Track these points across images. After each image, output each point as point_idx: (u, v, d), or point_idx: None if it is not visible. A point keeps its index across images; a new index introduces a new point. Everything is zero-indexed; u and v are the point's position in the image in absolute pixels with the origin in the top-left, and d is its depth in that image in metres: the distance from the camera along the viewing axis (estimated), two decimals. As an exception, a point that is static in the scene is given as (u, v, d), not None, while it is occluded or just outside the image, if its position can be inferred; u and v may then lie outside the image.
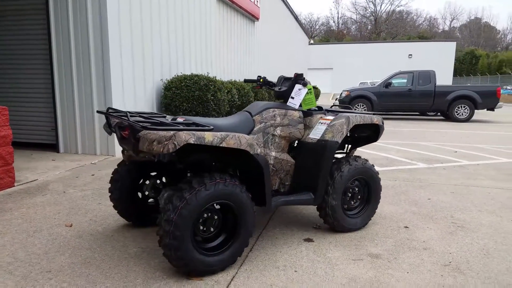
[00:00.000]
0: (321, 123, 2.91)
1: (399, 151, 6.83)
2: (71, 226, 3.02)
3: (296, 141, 3.09)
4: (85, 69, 5.58)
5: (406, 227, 3.18)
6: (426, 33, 67.02)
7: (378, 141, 8.08)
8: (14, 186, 4.04)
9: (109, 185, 4.14)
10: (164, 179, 3.05)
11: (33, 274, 2.28)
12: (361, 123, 2.93)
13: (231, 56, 10.61)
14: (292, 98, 2.88)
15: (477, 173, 5.21)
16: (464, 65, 56.13)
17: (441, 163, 5.85)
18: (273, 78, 14.41)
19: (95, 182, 4.29)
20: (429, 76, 12.91)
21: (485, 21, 73.73)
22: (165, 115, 2.80)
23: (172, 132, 2.07)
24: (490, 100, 12.45)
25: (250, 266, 2.44)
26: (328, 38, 51.69)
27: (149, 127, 2.10)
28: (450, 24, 74.74)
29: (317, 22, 70.83)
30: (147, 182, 2.99)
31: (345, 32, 66.72)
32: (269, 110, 2.88)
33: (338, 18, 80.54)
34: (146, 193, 3.01)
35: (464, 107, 12.55)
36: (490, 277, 2.36)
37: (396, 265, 2.50)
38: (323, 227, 3.11)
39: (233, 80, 8.98)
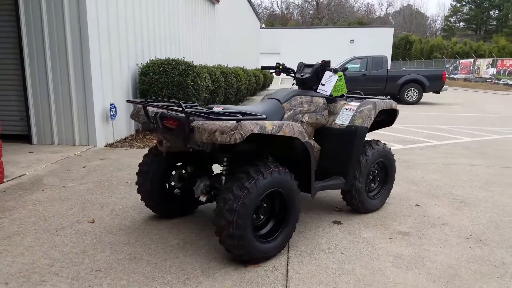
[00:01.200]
0: (347, 109, 3.01)
1: (372, 134, 7.17)
2: (93, 222, 2.88)
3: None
4: (60, 53, 5.20)
5: (417, 205, 3.41)
6: (364, 19, 69.62)
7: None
8: (4, 182, 3.73)
9: (129, 177, 3.97)
10: (188, 169, 3.00)
11: (83, 274, 2.17)
12: (385, 108, 3.07)
13: (197, 39, 10.36)
14: (323, 85, 2.94)
15: (450, 152, 5.65)
16: (400, 50, 59.27)
17: (415, 144, 6.26)
18: (230, 62, 14.29)
19: (90, 174, 4.08)
20: (381, 61, 13.56)
21: (416, 8, 78.09)
22: (197, 103, 2.74)
23: (236, 122, 2.05)
24: (436, 84, 13.38)
25: (297, 250, 2.51)
26: (272, 22, 51.90)
27: (213, 118, 2.07)
28: (386, 10, 78.17)
29: (260, 6, 70.85)
30: (173, 173, 2.93)
31: (288, 17, 67.39)
32: (296, 97, 2.92)
33: (281, 2, 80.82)
34: (173, 183, 2.94)
35: (413, 90, 13.38)
36: (510, 246, 2.63)
37: (427, 241, 2.70)
38: (344, 209, 3.25)
39: (203, 65, 8.81)
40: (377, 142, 3.14)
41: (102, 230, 2.74)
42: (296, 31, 44.23)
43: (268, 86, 20.82)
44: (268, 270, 2.26)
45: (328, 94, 2.96)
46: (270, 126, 2.17)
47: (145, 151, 5.27)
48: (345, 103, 3.07)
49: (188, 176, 2.98)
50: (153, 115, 2.47)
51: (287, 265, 2.32)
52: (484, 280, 2.20)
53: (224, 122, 2.09)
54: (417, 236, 2.76)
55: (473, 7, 66.27)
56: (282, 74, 3.38)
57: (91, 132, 5.39)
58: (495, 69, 26.27)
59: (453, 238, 2.75)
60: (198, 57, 10.67)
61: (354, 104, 3.02)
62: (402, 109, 11.86)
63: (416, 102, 13.39)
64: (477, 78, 28.55)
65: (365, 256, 2.46)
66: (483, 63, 28.09)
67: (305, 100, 2.95)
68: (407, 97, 13.41)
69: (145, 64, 6.49)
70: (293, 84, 3.37)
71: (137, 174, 2.84)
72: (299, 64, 3.27)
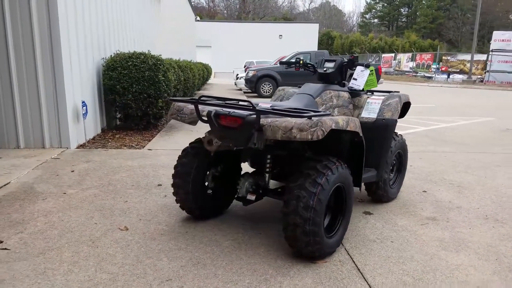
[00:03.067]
0: (372, 103, 3.12)
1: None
2: (127, 229, 2.67)
3: None
4: (26, 45, 4.67)
5: (424, 191, 3.67)
6: (288, 14, 71.52)
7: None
8: (-11, 192, 3.29)
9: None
10: (219, 169, 2.90)
11: (155, 285, 2.02)
12: (406, 101, 3.24)
13: (148, 32, 9.87)
14: (355, 79, 3.02)
15: (416, 141, 6.11)
16: (323, 45, 62.02)
17: (382, 134, 6.65)
18: (170, 55, 13.88)
19: (86, 179, 3.76)
20: (323, 56, 14.10)
21: (334, 5, 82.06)
22: (249, 100, 2.66)
23: (316, 119, 2.05)
24: (374, 77, 14.28)
25: (350, 243, 2.57)
26: (199, 15, 51.11)
27: (286, 114, 2.03)
28: (308, 6, 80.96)
29: (186, -2, 69.30)
30: (208, 172, 2.82)
31: (214, 10, 66.82)
32: (326, 91, 2.98)
33: (208, -5, 79.93)
34: (207, 183, 2.83)
35: (320, 83, 14.14)
36: (524, 223, 2.95)
37: (455, 224, 2.92)
38: (366, 200, 3.38)
39: (169, 58, 8.46)
40: (396, 133, 3.31)
41: (142, 237, 2.55)
42: (228, 24, 44.09)
43: (208, 80, 20.61)
44: (337, 264, 2.30)
45: (361, 88, 3.05)
46: (341, 121, 2.20)
47: (126, 151, 4.96)
48: (368, 97, 3.18)
49: (220, 175, 2.89)
50: (204, 113, 2.36)
51: (351, 258, 2.37)
52: (523, 255, 2.45)
53: (300, 119, 2.07)
54: (445, 220, 2.98)
55: (385, 4, 71.08)
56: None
57: (63, 133, 4.94)
58: (414, 62, 28.68)
59: (475, 220, 3.00)
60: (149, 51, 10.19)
61: (378, 98, 3.14)
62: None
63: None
64: (397, 72, 30.91)
65: (413, 243, 2.60)
66: (403, 57, 30.51)
67: (334, 94, 3.01)
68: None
69: (109, 58, 6.07)
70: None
71: (175, 176, 2.69)
72: (320, 59, 3.31)
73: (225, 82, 21.41)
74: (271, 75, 13.80)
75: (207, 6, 67.54)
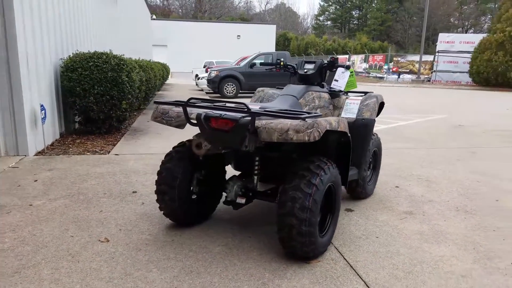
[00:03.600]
0: (351, 103, 3.18)
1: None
2: (108, 241, 2.54)
3: None
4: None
5: (396, 186, 3.80)
6: (245, 15, 71.77)
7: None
8: None
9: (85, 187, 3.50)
10: (203, 172, 2.84)
11: (149, 297, 1.94)
12: (381, 101, 3.33)
13: (106, 32, 9.48)
14: (336, 80, 3.06)
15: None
16: (279, 46, 62.83)
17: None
18: (126, 54, 13.46)
19: (52, 189, 3.54)
20: (285, 57, 14.30)
21: (289, 6, 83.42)
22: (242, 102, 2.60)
23: (312, 120, 2.05)
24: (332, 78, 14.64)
25: (338, 241, 2.60)
26: (155, 13, 49.99)
27: (281, 116, 2.02)
28: (265, 7, 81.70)
29: (138, -4, 67.50)
30: (193, 177, 2.75)
31: (169, 9, 65.69)
32: (308, 93, 3.01)
33: (162, -7, 78.32)
34: (191, 188, 2.76)
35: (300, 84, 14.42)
36: (491, 213, 3.13)
37: (430, 216, 3.05)
38: (344, 197, 3.44)
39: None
40: (373, 133, 3.40)
41: (126, 248, 2.44)
42: (185, 23, 43.50)
43: (166, 80, 20.19)
44: (330, 263, 2.31)
45: (343, 90, 3.10)
46: (333, 122, 2.22)
47: (91, 156, 4.74)
48: (346, 98, 3.24)
49: (204, 179, 2.83)
50: (192, 116, 2.30)
51: (342, 255, 2.40)
52: (496, 243, 2.59)
53: (294, 120, 2.06)
54: (421, 214, 3.10)
55: (338, 7, 73.15)
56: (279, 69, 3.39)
57: (20, 139, 4.62)
58: (367, 63, 29.77)
59: (447, 212, 3.15)
60: (107, 50, 9.80)
61: (356, 98, 3.21)
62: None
63: (317, 94, 14.46)
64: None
65: (396, 237, 2.68)
66: (357, 58, 31.58)
67: (316, 95, 3.04)
68: (309, 90, 14.40)
69: (67, 59, 5.77)
70: (290, 78, 3.42)
71: (159, 182, 2.59)
72: (299, 61, 3.33)
73: (184, 82, 21.07)
74: (234, 76, 13.77)
75: (161, 4, 66.22)
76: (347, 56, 33.81)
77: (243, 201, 2.55)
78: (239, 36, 44.38)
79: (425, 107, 11.86)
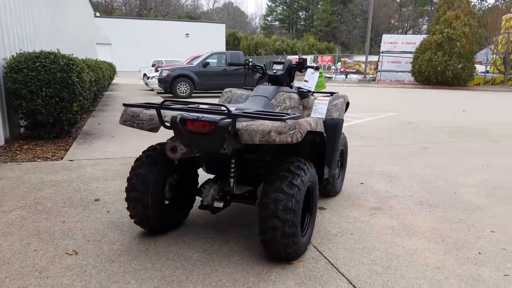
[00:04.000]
0: (319, 103, 3.22)
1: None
2: (76, 253, 2.38)
3: None
4: None
5: (361, 183, 3.91)
6: (192, 13, 70.86)
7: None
8: None
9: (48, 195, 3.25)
10: (175, 176, 2.73)
11: (131, 311, 1.83)
12: (347, 101, 3.40)
13: (49, 30, 8.89)
14: (306, 81, 3.08)
15: (338, 137, 6.49)
16: (229, 46, 62.73)
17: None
18: (71, 53, 12.81)
19: (4, 199, 3.25)
20: (239, 57, 14.28)
21: (236, 6, 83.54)
22: (223, 104, 2.52)
23: (293, 121, 2.04)
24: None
25: (316, 239, 2.62)
26: (97, 10, 47.95)
27: (262, 117, 2.00)
28: (212, 6, 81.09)
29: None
30: (165, 182, 2.64)
31: (113, 6, 63.35)
32: (279, 93, 3.01)
33: (103, -10, 75.31)
34: (164, 193, 2.65)
35: (269, 84, 14.50)
36: (452, 205, 3.31)
37: (398, 211, 3.17)
38: (314, 196, 3.48)
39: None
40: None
41: (98, 260, 2.29)
42: (130, 21, 42.11)
43: (112, 80, 19.44)
44: (311, 262, 2.32)
45: (313, 90, 3.12)
46: (313, 123, 2.22)
47: (43, 163, 4.43)
48: (315, 98, 3.28)
49: (176, 183, 2.73)
50: (167, 119, 2.21)
51: (322, 254, 2.42)
52: (462, 234, 2.74)
53: (276, 122, 2.04)
54: (389, 209, 3.21)
55: (285, 7, 74.29)
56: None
57: (-38, 147, 4.22)
58: (316, 64, 30.61)
59: (413, 206, 3.29)
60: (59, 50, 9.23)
61: (324, 98, 3.25)
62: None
63: (270, 94, 14.58)
64: (300, 73, 32.59)
65: (369, 233, 2.75)
66: (306, 59, 32.36)
67: (286, 96, 3.04)
68: (262, 90, 14.48)
69: (10, 59, 5.36)
70: (260, 80, 3.40)
71: (130, 189, 2.46)
72: (267, 61, 3.32)
73: (130, 82, 20.33)
74: (187, 75, 13.52)
75: (103, 1, 63.72)
76: (296, 56, 34.54)
77: (220, 205, 2.49)
78: (188, 34, 43.75)
79: (375, 106, 12.37)
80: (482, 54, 24.12)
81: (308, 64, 3.36)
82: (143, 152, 2.59)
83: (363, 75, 26.96)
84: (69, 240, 2.54)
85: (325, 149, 2.62)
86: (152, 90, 16.48)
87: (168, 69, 13.75)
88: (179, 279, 2.11)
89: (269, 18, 76.37)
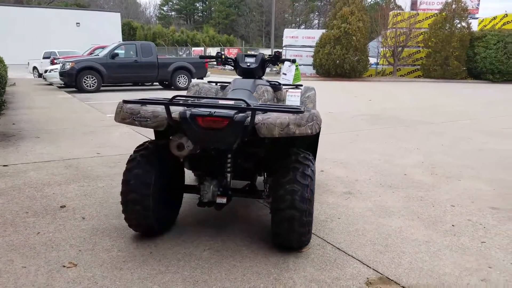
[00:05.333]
0: (292, 95, 3.32)
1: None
2: (75, 265, 2.15)
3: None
4: None
5: (322, 170, 4.13)
6: (81, 1, 65.37)
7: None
8: None
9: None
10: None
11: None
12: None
13: None
14: (285, 74, 3.14)
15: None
16: (124, 36, 59.38)
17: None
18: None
19: None
20: (150, 48, 13.68)
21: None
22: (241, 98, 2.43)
23: (309, 113, 2.11)
24: (201, 71, 14.70)
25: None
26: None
27: (278, 110, 2.04)
28: (96, -6, 75.63)
29: None
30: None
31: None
32: (258, 86, 3.05)
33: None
34: (162, 193, 2.52)
35: (183, 76, 14.21)
36: (408, 185, 3.70)
37: (366, 194, 3.44)
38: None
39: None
40: None
41: (105, 270, 2.10)
42: (9, 9, 37.27)
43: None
44: (318, 248, 2.43)
45: (291, 83, 3.19)
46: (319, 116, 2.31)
47: (-29, 170, 3.82)
48: (286, 90, 3.37)
49: (169, 182, 2.61)
50: (175, 115, 2.11)
51: (324, 240, 2.54)
52: (430, 210, 3.10)
53: (288, 114, 2.08)
54: (358, 193, 3.47)
55: (181, -3, 72.41)
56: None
57: None
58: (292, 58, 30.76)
59: (377, 189, 3.59)
60: None
61: (296, 91, 3.36)
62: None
63: (187, 87, 14.28)
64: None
65: (354, 216, 2.95)
66: (212, 51, 32.14)
67: (264, 89, 3.08)
68: (179, 83, 14.13)
69: None
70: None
71: (128, 191, 2.28)
72: (238, 54, 3.30)
73: (17, 76, 18.04)
74: (93, 67, 12.50)
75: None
76: (202, 48, 34.21)
77: (224, 200, 2.45)
78: (79, 23, 40.40)
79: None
80: (374, 48, 26.73)
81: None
82: (136, 152, 2.42)
83: (270, 69, 27.83)
84: (57, 252, 2.28)
85: (317, 140, 2.74)
86: (51, 84, 14.93)
87: (71, 61, 12.57)
88: (203, 278, 2.06)
89: (165, 8, 74.04)
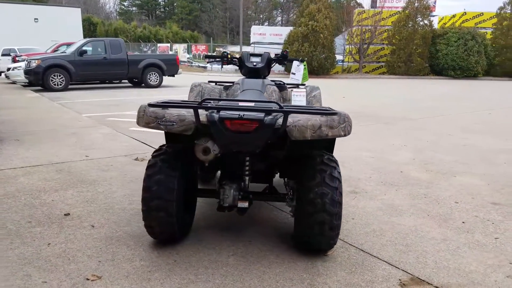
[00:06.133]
0: (297, 95, 3.30)
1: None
2: (100, 278, 2.02)
3: None
4: None
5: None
6: (37, -5, 62.34)
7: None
8: None
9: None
10: None
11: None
12: (320, 92, 3.55)
13: None
14: (294, 73, 3.10)
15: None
16: (84, 32, 57.21)
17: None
18: None
19: None
20: (119, 44, 13.22)
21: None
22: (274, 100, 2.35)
23: (341, 114, 2.09)
24: (172, 67, 14.34)
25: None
26: None
27: (309, 112, 2.02)
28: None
29: None
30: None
31: None
32: (267, 86, 3.01)
33: None
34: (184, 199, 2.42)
35: (154, 74, 13.84)
36: (408, 183, 3.78)
37: (372, 193, 3.47)
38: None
39: None
40: None
41: (133, 282, 2.00)
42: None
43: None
44: (343, 251, 2.42)
45: (300, 82, 3.16)
46: None
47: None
48: (291, 90, 3.34)
49: (187, 186, 2.52)
50: (202, 118, 2.03)
51: (346, 242, 2.54)
52: (436, 207, 3.17)
53: (318, 116, 2.06)
54: (363, 192, 3.50)
55: (143, -7, 70.71)
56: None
57: None
58: (191, 53, 30.21)
59: (380, 187, 3.63)
60: None
61: (301, 90, 3.34)
62: (152, 93, 12.13)
63: (158, 85, 13.94)
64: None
65: (367, 216, 2.97)
66: (179, 47, 31.57)
67: (272, 89, 3.05)
68: (150, 81, 13.75)
69: None
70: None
71: (151, 198, 2.17)
72: (244, 53, 3.24)
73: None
74: (61, 65, 11.94)
75: None
76: (168, 45, 33.46)
77: (246, 204, 2.38)
78: (37, 19, 38.46)
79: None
80: (340, 45, 27.21)
81: (182, 52, 3.38)
82: (155, 156, 2.31)
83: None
84: (76, 264, 2.14)
85: (334, 141, 2.72)
86: (14, 83, 14.14)
87: (37, 59, 11.95)
88: (236, 286, 2.00)
89: (125, 3, 72.03)
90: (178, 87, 14.32)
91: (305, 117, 2.07)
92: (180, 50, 30.67)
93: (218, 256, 2.29)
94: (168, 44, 33.59)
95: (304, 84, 3.56)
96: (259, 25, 53.02)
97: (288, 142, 2.58)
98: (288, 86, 3.51)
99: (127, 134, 5.56)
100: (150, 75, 13.75)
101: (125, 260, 2.21)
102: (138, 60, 13.56)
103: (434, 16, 27.08)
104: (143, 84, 13.87)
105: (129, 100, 10.03)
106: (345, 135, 2.06)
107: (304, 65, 3.34)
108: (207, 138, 2.14)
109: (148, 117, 2.09)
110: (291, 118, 2.08)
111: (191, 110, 2.12)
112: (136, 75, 13.56)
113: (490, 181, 3.86)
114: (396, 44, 24.92)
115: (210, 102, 2.15)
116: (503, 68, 25.50)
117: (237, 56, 3.34)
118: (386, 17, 25.73)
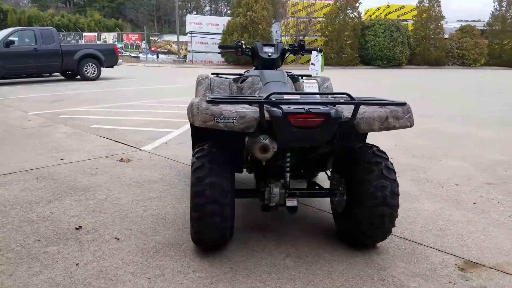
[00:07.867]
0: (309, 86, 3.22)
1: (142, 114, 6.84)
2: None
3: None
4: None
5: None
6: None
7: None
8: None
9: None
10: None
11: None
12: (330, 83, 3.50)
13: None
14: (313, 64, 3.00)
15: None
16: (-7, 20, 51.70)
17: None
18: None
19: None
20: (51, 34, 12.07)
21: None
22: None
23: (404, 106, 2.06)
24: (112, 58, 13.42)
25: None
26: None
27: (378, 103, 1.98)
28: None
29: None
30: None
31: None
32: (287, 78, 2.91)
33: None
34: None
35: (92, 65, 12.85)
36: (405, 169, 3.90)
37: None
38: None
39: None
40: None
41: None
42: None
43: None
44: (389, 242, 2.38)
45: (319, 72, 3.07)
46: None
47: None
48: (303, 81, 3.25)
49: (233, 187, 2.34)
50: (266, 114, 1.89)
51: (384, 231, 2.54)
52: (443, 190, 3.30)
53: (382, 107, 2.03)
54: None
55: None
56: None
57: None
58: (122, 43, 28.57)
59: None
60: None
61: (312, 81, 3.26)
62: (99, 86, 11.28)
63: (97, 78, 12.99)
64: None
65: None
66: (108, 36, 29.71)
67: (291, 81, 2.96)
68: (87, 73, 12.75)
69: None
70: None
71: (204, 203, 1.97)
72: (256, 44, 3.08)
73: None
74: (-15, 58, 10.60)
75: None
76: (95, 34, 31.27)
77: (295, 202, 2.28)
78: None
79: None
80: (276, 37, 27.51)
81: (112, 42, 3.26)
82: (200, 157, 2.09)
83: (177, 56, 26.79)
84: (124, 285, 1.88)
85: (366, 133, 2.70)
86: None
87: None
88: (302, 281, 1.90)
89: (26, -12, 66.22)
90: (118, 79, 13.49)
91: (370, 109, 2.02)
92: (109, 39, 28.89)
93: (273, 259, 2.16)
94: (95, 33, 31.43)
95: (310, 75, 3.49)
96: (187, 14, 51.77)
97: (351, 136, 2.49)
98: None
99: (94, 133, 5.09)
100: (87, 66, 12.76)
101: (177, 273, 1.99)
102: (73, 51, 12.50)
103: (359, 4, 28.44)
104: (78, 77, 12.85)
105: (72, 95, 9.21)
106: (410, 126, 2.04)
107: (322, 56, 3.27)
108: (265, 135, 1.99)
109: (204, 115, 1.88)
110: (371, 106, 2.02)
111: (247, 106, 1.96)
112: (71, 67, 12.50)
113: (473, 163, 4.13)
114: (329, 35, 25.84)
115: (272, 98, 1.98)
116: (423, 57, 27.68)
117: (249, 46, 3.17)
118: (319, 8, 26.52)
